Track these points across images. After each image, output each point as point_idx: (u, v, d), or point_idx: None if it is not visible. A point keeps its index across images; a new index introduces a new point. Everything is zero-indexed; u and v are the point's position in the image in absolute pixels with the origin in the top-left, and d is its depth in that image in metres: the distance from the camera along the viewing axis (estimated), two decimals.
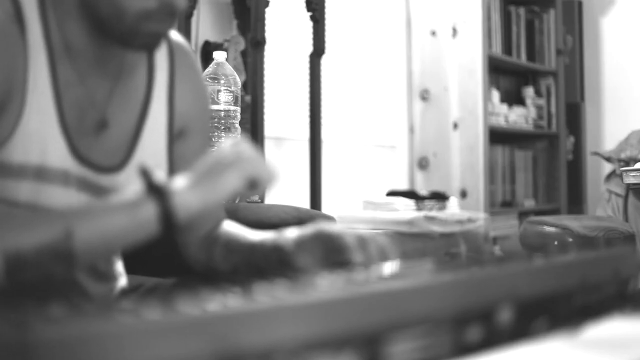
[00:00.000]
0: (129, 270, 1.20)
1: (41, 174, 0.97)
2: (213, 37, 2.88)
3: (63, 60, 0.99)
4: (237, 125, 1.75)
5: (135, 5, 0.93)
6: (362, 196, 3.24)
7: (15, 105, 0.95)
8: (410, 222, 2.97)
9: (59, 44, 0.99)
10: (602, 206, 3.59)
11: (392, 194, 3.17)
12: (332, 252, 1.01)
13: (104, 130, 1.03)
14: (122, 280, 1.17)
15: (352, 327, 0.55)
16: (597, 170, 4.30)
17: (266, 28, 2.68)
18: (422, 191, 3.22)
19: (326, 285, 0.58)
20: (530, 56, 4.12)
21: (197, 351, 0.48)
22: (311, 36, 2.86)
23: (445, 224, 3.02)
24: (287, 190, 2.80)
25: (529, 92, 4.14)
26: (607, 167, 3.94)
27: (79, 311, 0.49)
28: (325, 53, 2.87)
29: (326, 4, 2.86)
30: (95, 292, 1.09)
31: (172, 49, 1.12)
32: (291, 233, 1.06)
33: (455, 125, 3.70)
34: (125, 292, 1.16)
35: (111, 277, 1.15)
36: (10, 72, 0.94)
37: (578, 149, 4.33)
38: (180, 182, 0.88)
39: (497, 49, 3.86)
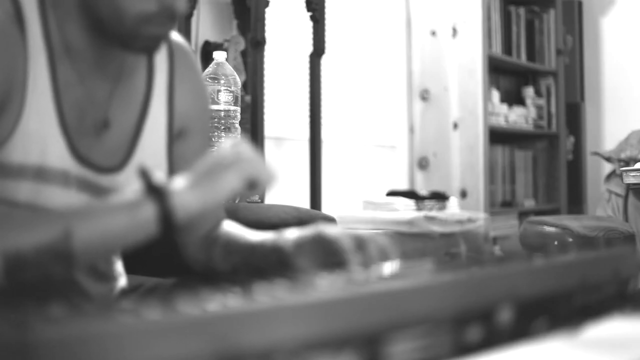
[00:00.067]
0: (129, 270, 1.20)
1: (41, 174, 0.97)
2: (213, 37, 2.88)
3: (63, 61, 0.99)
4: (237, 125, 1.75)
5: (135, 8, 0.93)
6: (362, 196, 3.24)
7: (15, 106, 0.95)
8: (410, 222, 2.97)
9: (59, 45, 0.99)
10: (602, 206, 3.59)
11: (392, 194, 3.17)
12: (330, 255, 1.01)
13: (105, 130, 1.03)
14: (122, 280, 1.17)
15: (352, 327, 0.55)
16: (597, 170, 4.30)
17: (266, 28, 2.68)
18: (422, 191, 3.22)
19: (326, 285, 0.59)
20: (530, 56, 4.12)
21: (197, 351, 0.48)
22: (311, 36, 2.86)
23: (445, 224, 3.02)
24: (287, 190, 2.80)
25: (529, 92, 4.14)
26: (607, 167, 3.94)
27: (79, 311, 0.49)
28: (325, 53, 2.87)
29: (326, 4, 2.86)
30: (95, 292, 1.09)
31: (172, 49, 1.12)
32: (291, 234, 1.06)
33: (455, 125, 3.70)
34: (125, 292, 1.16)
35: (111, 277, 1.15)
36: (10, 72, 0.94)
37: (578, 149, 4.33)
38: (179, 183, 0.88)
39: (497, 49, 3.86)
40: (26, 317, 0.45)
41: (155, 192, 0.86)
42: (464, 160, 3.67)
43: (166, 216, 0.86)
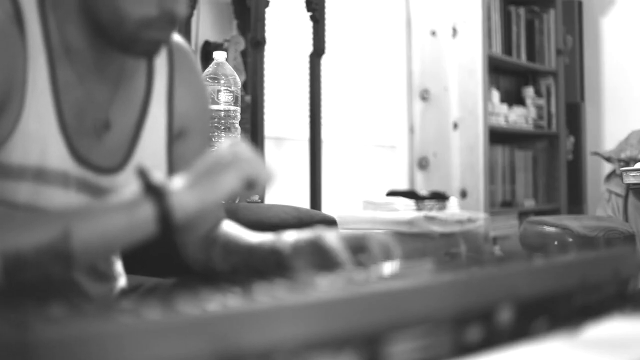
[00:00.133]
0: (129, 270, 1.20)
1: (40, 175, 0.97)
2: (213, 37, 2.88)
3: (62, 62, 0.99)
4: (237, 125, 1.75)
5: (136, 12, 0.93)
6: (362, 196, 3.24)
7: (15, 106, 0.95)
8: (410, 222, 2.97)
9: (59, 46, 0.99)
10: (602, 206, 3.59)
11: (392, 194, 3.17)
12: (327, 261, 1.01)
13: (106, 131, 1.03)
14: (122, 280, 1.17)
15: (352, 327, 0.55)
16: (597, 170, 4.30)
17: (266, 28, 2.68)
18: (422, 191, 3.23)
19: (326, 285, 0.58)
20: (530, 56, 4.12)
21: (197, 351, 0.48)
22: (311, 36, 2.86)
23: (445, 224, 3.02)
24: (287, 190, 2.80)
25: (529, 92, 4.14)
26: (607, 167, 3.94)
27: (79, 311, 0.49)
28: (325, 53, 2.87)
29: (326, 4, 2.86)
30: (94, 292, 1.09)
31: (172, 49, 1.12)
32: (289, 236, 1.06)
33: (455, 125, 3.70)
34: (125, 292, 1.16)
35: (110, 277, 1.15)
36: (10, 72, 0.94)
37: (578, 149, 4.33)
38: (177, 183, 0.88)
39: (497, 49, 3.86)
40: (26, 317, 0.45)
41: (153, 192, 0.87)
42: (464, 160, 3.67)
43: (165, 216, 0.86)
